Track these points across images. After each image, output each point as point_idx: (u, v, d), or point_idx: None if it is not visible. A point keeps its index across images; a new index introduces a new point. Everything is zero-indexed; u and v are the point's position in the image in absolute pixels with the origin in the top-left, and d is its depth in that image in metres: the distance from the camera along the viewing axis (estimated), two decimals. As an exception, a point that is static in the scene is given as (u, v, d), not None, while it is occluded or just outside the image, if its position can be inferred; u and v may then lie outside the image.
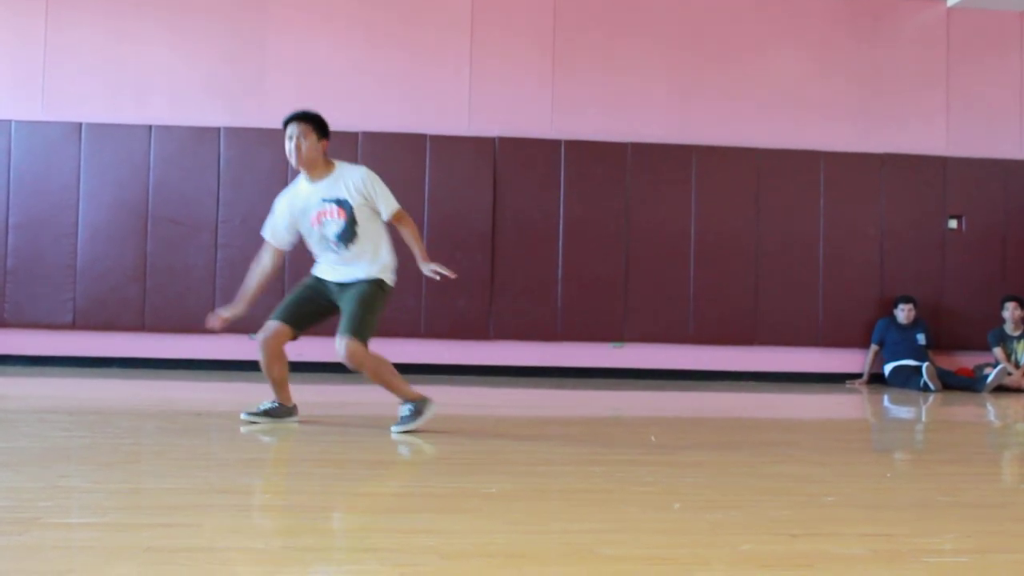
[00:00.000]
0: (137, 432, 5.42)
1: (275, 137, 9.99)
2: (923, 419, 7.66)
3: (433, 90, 10.34)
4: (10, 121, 10.01)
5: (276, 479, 4.01)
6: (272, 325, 5.49)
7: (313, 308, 5.61)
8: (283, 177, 9.80)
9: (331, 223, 5.50)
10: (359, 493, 3.71)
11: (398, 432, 5.40)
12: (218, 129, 10.02)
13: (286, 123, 5.64)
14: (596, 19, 10.52)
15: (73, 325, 9.94)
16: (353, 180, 5.57)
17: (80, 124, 10.00)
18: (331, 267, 5.60)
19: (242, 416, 5.62)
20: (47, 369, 9.65)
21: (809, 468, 4.61)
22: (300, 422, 5.76)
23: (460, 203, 10.14)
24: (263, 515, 3.38)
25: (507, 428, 6.12)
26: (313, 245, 5.64)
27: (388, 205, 5.59)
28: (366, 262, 5.56)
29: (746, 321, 10.44)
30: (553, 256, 10.21)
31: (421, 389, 8.80)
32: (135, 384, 8.61)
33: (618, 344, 10.32)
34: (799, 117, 10.67)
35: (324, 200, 5.50)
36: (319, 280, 5.63)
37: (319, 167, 5.62)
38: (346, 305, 5.48)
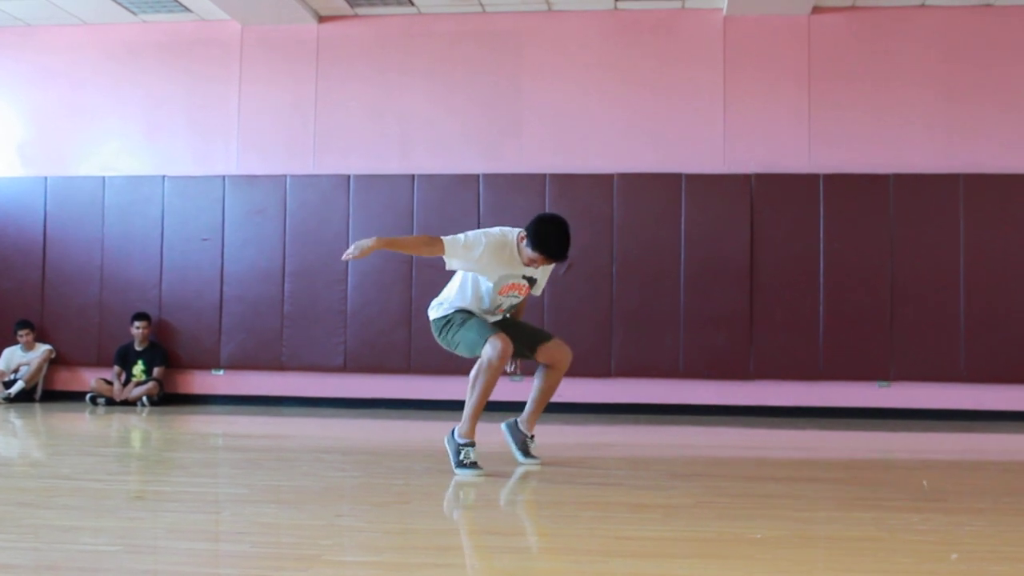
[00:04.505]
0: (407, 472, 5.60)
1: (531, 182, 10.28)
2: None
3: (687, 129, 10.31)
4: (285, 176, 10.63)
5: (542, 521, 4.05)
6: (504, 336, 5.33)
7: None
8: (540, 220, 9.97)
9: (515, 296, 5.55)
10: (624, 537, 3.71)
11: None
12: (477, 176, 10.31)
13: (550, 255, 5.31)
14: (851, 49, 10.23)
15: (344, 368, 10.41)
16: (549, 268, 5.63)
17: (348, 176, 10.51)
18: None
19: (524, 460, 5.70)
20: (321, 410, 10.13)
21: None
22: (564, 463, 5.79)
23: (717, 241, 10.03)
24: (533, 557, 3.42)
25: (770, 471, 5.98)
26: (482, 298, 5.50)
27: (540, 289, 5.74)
28: None
29: (1026, 356, 9.83)
30: (814, 292, 9.95)
31: (678, 430, 8.78)
32: (403, 425, 8.93)
33: (884, 383, 9.92)
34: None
35: (524, 276, 5.48)
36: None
37: None
38: (521, 324, 5.74)
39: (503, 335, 5.29)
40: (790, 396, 9.98)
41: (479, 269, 5.38)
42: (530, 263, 5.35)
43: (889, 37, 10.21)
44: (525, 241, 5.31)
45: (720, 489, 5.04)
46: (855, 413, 9.86)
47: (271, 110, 10.84)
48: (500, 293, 5.46)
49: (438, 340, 5.63)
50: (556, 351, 5.62)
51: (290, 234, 10.56)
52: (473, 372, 5.42)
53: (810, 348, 9.92)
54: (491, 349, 5.24)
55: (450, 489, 4.92)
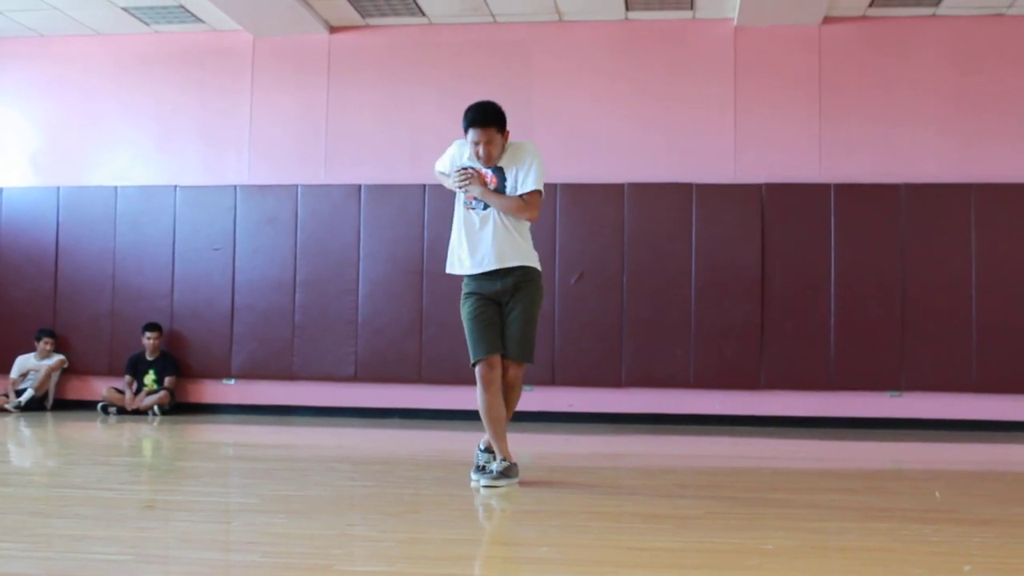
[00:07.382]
0: (417, 482, 5.60)
1: (545, 192, 10.24)
2: None
3: (697, 138, 10.31)
4: (296, 185, 10.66)
5: (552, 531, 4.04)
6: (495, 360, 5.21)
7: (499, 327, 5.33)
8: (551, 234, 9.98)
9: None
10: (636, 547, 3.70)
11: (488, 486, 5.14)
12: (487, 185, 10.29)
13: (471, 127, 5.47)
14: (863, 58, 10.22)
15: (355, 377, 10.41)
16: (519, 156, 5.52)
17: (359, 186, 10.53)
18: (482, 253, 5.40)
19: (481, 485, 5.18)
20: (332, 419, 10.13)
21: (1120, 529, 4.26)
22: (574, 473, 5.78)
23: (728, 251, 10.02)
24: (543, 568, 3.41)
25: (781, 481, 5.96)
26: (458, 207, 5.57)
27: (529, 184, 5.49)
28: (520, 239, 5.43)
29: (1040, 367, 9.78)
30: (825, 302, 9.92)
31: (689, 440, 8.75)
32: (413, 434, 8.92)
33: (895, 393, 9.89)
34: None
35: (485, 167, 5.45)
36: (481, 287, 5.39)
37: None
38: (516, 317, 5.30)
39: (490, 362, 5.20)
40: (801, 406, 9.95)
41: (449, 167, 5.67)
42: (474, 147, 5.45)
43: (900, 46, 10.20)
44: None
45: (732, 500, 5.02)
46: (866, 423, 9.83)
47: (282, 120, 10.87)
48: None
49: None
50: (507, 376, 5.31)
51: (301, 244, 10.58)
52: None
53: (821, 358, 9.90)
54: (477, 377, 5.22)
55: (460, 499, 4.92)
